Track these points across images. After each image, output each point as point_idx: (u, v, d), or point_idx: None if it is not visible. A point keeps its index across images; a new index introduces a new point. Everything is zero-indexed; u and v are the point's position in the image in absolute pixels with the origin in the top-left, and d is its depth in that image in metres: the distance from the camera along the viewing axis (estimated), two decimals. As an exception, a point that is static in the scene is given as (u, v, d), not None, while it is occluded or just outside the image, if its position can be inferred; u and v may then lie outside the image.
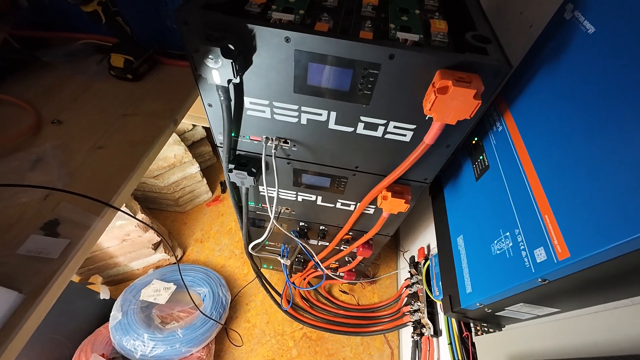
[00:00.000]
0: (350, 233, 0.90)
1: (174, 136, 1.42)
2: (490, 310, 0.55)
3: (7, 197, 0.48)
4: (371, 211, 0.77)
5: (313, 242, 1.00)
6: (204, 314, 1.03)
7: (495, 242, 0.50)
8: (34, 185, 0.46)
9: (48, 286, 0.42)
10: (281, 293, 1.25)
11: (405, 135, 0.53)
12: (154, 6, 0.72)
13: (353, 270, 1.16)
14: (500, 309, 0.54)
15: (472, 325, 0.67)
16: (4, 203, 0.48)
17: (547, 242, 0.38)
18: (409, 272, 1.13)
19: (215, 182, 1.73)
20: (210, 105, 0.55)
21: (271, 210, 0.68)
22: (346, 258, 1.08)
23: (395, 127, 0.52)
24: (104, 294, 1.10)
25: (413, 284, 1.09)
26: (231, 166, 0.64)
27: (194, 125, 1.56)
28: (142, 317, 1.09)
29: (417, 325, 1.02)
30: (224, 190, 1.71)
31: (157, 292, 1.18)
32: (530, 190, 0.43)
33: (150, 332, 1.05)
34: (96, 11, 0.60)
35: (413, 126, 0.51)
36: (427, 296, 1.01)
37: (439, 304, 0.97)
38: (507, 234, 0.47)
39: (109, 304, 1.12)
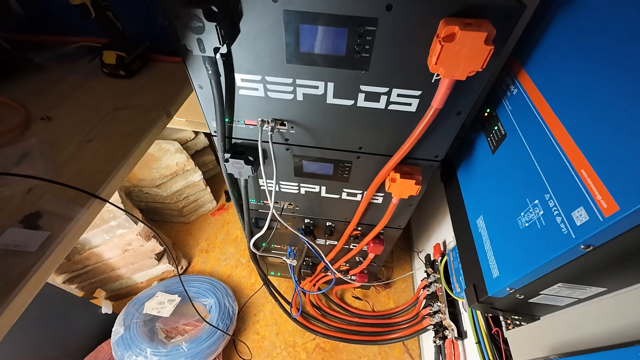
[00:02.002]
0: (359, 228, 0.85)
1: (176, 144, 1.41)
2: (522, 297, 0.49)
3: (-11, 192, 0.45)
4: (379, 200, 0.72)
5: (320, 241, 0.94)
6: (210, 324, 0.98)
7: (522, 214, 0.44)
8: (12, 173, 0.43)
9: (23, 282, 0.37)
10: (290, 301, 1.18)
11: (410, 105, 0.49)
12: (145, 2, 0.71)
13: (365, 271, 1.09)
14: (534, 293, 0.47)
15: (501, 319, 0.59)
16: (-15, 198, 0.45)
17: (588, 200, 0.33)
18: (425, 271, 1.06)
19: (220, 191, 1.70)
20: (200, 87, 0.52)
21: (271, 200, 0.63)
22: (357, 258, 1.01)
23: (399, 95, 0.47)
24: (106, 308, 1.06)
25: (431, 283, 1.01)
26: (227, 155, 0.60)
27: (196, 134, 1.55)
28: (145, 330, 1.04)
29: (439, 329, 0.94)
30: (228, 199, 1.67)
31: (161, 304, 1.13)
32: (559, 147, 0.38)
33: (153, 346, 0.99)
34: (84, 4, 0.59)
35: (418, 92, 0.46)
36: (448, 295, 0.93)
37: (460, 302, 0.89)
38: (536, 201, 0.41)
39: (111, 319, 1.07)
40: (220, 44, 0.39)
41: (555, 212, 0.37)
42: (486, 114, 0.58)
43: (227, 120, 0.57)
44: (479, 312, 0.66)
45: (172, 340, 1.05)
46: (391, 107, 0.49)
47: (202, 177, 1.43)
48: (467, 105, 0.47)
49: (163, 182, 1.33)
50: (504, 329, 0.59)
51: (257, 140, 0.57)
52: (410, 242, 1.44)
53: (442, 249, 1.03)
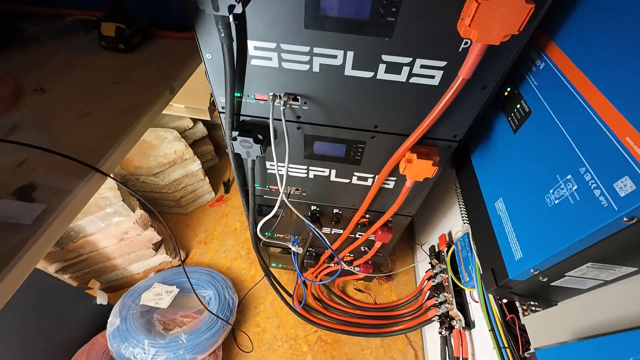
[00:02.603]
0: (367, 216, 0.82)
1: (174, 133, 1.37)
2: (545, 280, 0.47)
3: (-26, 165, 0.42)
4: (391, 185, 0.69)
5: (326, 230, 0.92)
6: (211, 312, 0.95)
7: (552, 191, 0.42)
8: (5, 140, 0.39)
9: (16, 257, 0.34)
10: (292, 293, 1.16)
11: (433, 77, 0.46)
12: (147, -28, 0.67)
13: (370, 262, 1.07)
14: (560, 275, 0.45)
15: (517, 304, 0.58)
16: (-30, 170, 0.41)
17: (634, 166, 0.31)
18: (430, 263, 1.04)
19: (218, 183, 1.66)
20: (210, 56, 0.48)
21: (281, 184, 0.60)
22: (362, 248, 0.99)
23: (422, 66, 0.45)
24: (101, 299, 1.02)
25: (436, 274, 0.99)
26: (235, 133, 0.57)
27: (195, 123, 1.51)
28: (143, 322, 1.00)
29: (445, 319, 0.92)
30: (227, 191, 1.63)
31: (159, 295, 1.10)
32: (597, 117, 0.36)
33: (151, 338, 0.95)
34: (83, -31, 0.55)
35: (443, 63, 0.44)
36: (455, 285, 0.91)
37: (468, 292, 0.88)
38: (568, 176, 0.39)
39: (106, 310, 1.03)
40: (235, 1, 0.36)
41: (593, 186, 0.35)
42: (506, 93, 0.56)
43: (236, 94, 0.54)
44: (492, 300, 0.64)
45: (170, 332, 1.02)
46: (413, 79, 0.47)
47: (201, 166, 1.39)
48: (494, 78, 0.45)
49: (160, 170, 1.28)
50: (520, 315, 0.57)
51: (267, 118, 0.54)
52: (413, 235, 1.43)
53: (447, 239, 1.01)
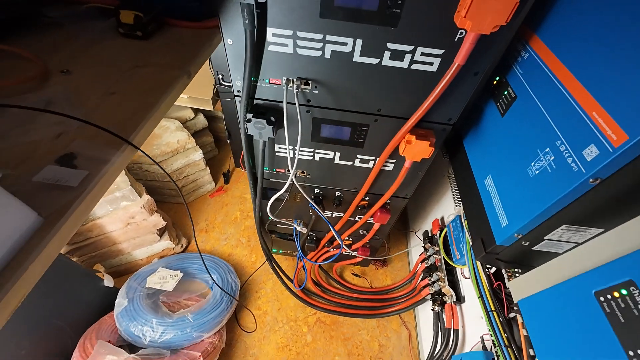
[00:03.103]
0: (367, 198, 0.88)
1: (176, 122, 1.40)
2: (527, 244, 0.53)
3: (15, 134, 0.45)
4: (390, 167, 0.75)
5: (327, 213, 0.97)
6: (219, 286, 1.00)
7: (533, 163, 0.48)
8: (48, 110, 0.43)
9: (69, 212, 0.38)
10: (292, 278, 1.21)
11: (432, 64, 0.52)
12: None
13: (367, 245, 1.13)
14: (539, 238, 0.52)
15: (503, 272, 0.64)
16: (12, 140, 0.45)
17: (598, 136, 0.37)
18: (423, 247, 1.11)
19: (218, 174, 1.70)
20: (230, 41, 0.53)
21: (292, 166, 0.65)
22: (361, 231, 1.05)
23: (422, 54, 0.51)
24: (108, 281, 1.05)
25: (429, 256, 1.06)
26: (249, 115, 0.62)
27: (196, 114, 1.54)
28: (149, 303, 1.04)
29: (437, 297, 0.99)
30: (227, 181, 1.67)
31: (164, 279, 1.13)
32: (571, 97, 0.42)
33: (158, 317, 0.99)
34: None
35: (441, 51, 0.50)
36: (447, 265, 0.98)
37: (459, 269, 0.95)
38: (547, 149, 0.46)
39: (112, 293, 1.06)
40: (262, -11, 0.41)
41: (567, 154, 0.42)
42: (495, 82, 0.63)
43: (252, 79, 0.59)
44: (481, 270, 0.71)
45: (176, 313, 1.06)
46: (414, 66, 0.53)
47: (203, 155, 1.42)
48: (485, 65, 0.51)
49: (164, 159, 1.31)
50: (506, 281, 0.64)
51: (280, 101, 0.59)
52: (407, 223, 1.50)
53: (440, 224, 1.08)
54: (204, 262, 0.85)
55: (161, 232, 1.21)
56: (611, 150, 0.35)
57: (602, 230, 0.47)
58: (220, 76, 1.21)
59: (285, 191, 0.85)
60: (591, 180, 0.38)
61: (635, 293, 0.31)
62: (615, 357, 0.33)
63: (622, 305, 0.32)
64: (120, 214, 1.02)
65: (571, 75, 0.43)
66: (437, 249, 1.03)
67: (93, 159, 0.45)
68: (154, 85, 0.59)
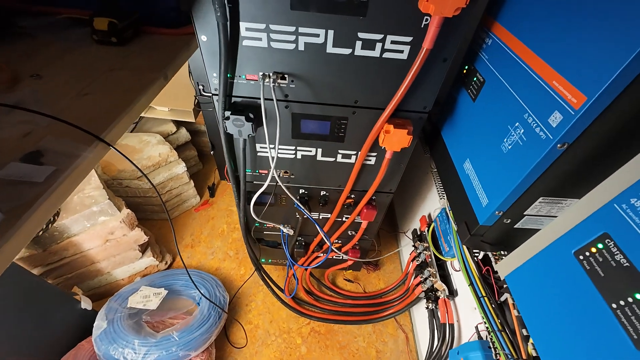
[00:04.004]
0: (352, 196, 0.88)
1: (158, 136, 1.38)
2: (509, 221, 0.54)
3: (-21, 136, 0.43)
4: (372, 161, 0.76)
5: (314, 214, 0.96)
6: (205, 297, 0.95)
7: (505, 140, 0.50)
8: (15, 106, 0.42)
9: (32, 208, 0.36)
10: (283, 287, 1.17)
11: (402, 52, 0.54)
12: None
13: (357, 247, 1.11)
14: (520, 214, 0.52)
15: (490, 255, 0.65)
16: (-24, 141, 0.43)
17: (560, 102, 0.39)
18: (413, 246, 1.11)
19: (203, 188, 1.66)
20: (204, 38, 0.54)
21: (272, 161, 0.65)
22: (349, 232, 1.04)
23: (392, 42, 0.52)
24: (86, 303, 0.98)
25: (420, 253, 1.06)
26: (227, 113, 0.61)
27: (178, 128, 1.53)
28: (131, 323, 0.98)
29: (430, 294, 0.98)
30: (212, 195, 1.64)
31: (147, 298, 1.07)
32: (533, 72, 0.44)
33: (141, 338, 0.93)
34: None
35: (409, 38, 0.52)
36: (437, 259, 0.98)
37: (449, 263, 0.95)
38: (517, 124, 0.47)
39: (91, 316, 1.00)
40: (231, -20, 0.42)
41: (534, 125, 0.43)
42: (465, 71, 0.65)
43: (229, 76, 0.59)
44: (469, 258, 0.71)
45: (160, 332, 1.00)
46: (385, 55, 0.54)
47: (186, 168, 1.40)
48: (452, 50, 0.53)
49: (145, 173, 1.28)
50: (493, 264, 0.64)
51: (258, 97, 0.59)
52: (395, 225, 1.50)
53: (428, 220, 1.08)
54: (188, 273, 0.82)
55: (143, 248, 1.16)
56: (573, 113, 0.37)
57: (576, 199, 0.48)
58: (201, 87, 1.22)
59: (269, 192, 0.84)
60: (559, 145, 0.40)
61: (611, 244, 0.32)
62: (601, 314, 0.33)
63: (600, 260, 0.33)
64: (98, 229, 0.98)
65: (530, 50, 0.45)
66: (427, 245, 1.02)
67: (61, 155, 0.43)
68: (129, 86, 0.58)
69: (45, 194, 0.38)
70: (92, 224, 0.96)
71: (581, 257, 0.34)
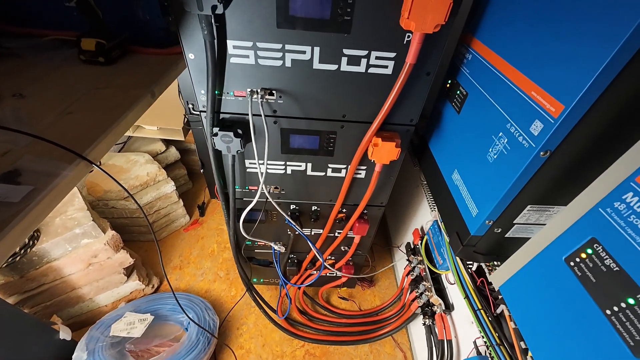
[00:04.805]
0: (344, 210, 0.87)
1: (146, 156, 1.36)
2: (499, 230, 0.54)
3: (-46, 157, 0.42)
4: (362, 174, 0.76)
5: (306, 230, 0.95)
6: (193, 321, 0.90)
7: (490, 149, 0.51)
8: (-7, 125, 0.41)
9: (6, 230, 0.34)
10: (275, 308, 1.13)
11: (387, 67, 0.55)
12: (127, -5, 0.74)
13: (351, 262, 1.09)
14: (509, 223, 0.53)
15: (483, 266, 0.64)
16: (-50, 162, 0.41)
17: (540, 111, 0.40)
18: (407, 260, 1.10)
19: (193, 207, 1.63)
20: (192, 56, 0.54)
21: (261, 176, 0.65)
22: (342, 248, 1.02)
23: (377, 57, 0.54)
24: (64, 333, 0.92)
25: (414, 267, 1.05)
26: (216, 130, 0.61)
27: (167, 147, 1.51)
28: (113, 353, 0.92)
29: (427, 309, 0.96)
30: (202, 214, 1.61)
31: (131, 325, 1.02)
32: (511, 83, 0.46)
33: (124, 368, 0.87)
34: (67, -12, 0.60)
35: (393, 54, 0.54)
36: (432, 273, 0.97)
37: (444, 276, 0.93)
38: (500, 134, 0.48)
39: (70, 347, 0.93)
40: (218, 1, 0.43)
41: (517, 134, 0.44)
42: (448, 85, 0.67)
43: (217, 93, 0.59)
44: (462, 269, 0.70)
45: (145, 361, 0.94)
46: (371, 70, 0.56)
47: (175, 187, 1.37)
48: (434, 64, 0.55)
49: (132, 193, 1.25)
50: (487, 276, 0.63)
51: (246, 114, 0.60)
52: (389, 240, 1.48)
53: (420, 233, 1.08)
54: (175, 296, 0.78)
55: (129, 272, 1.11)
56: (552, 122, 0.38)
57: (563, 207, 0.49)
58: (190, 106, 1.22)
59: (259, 209, 0.82)
60: (542, 153, 0.40)
61: (599, 249, 0.32)
62: (596, 321, 0.32)
63: (591, 265, 0.33)
64: (80, 253, 0.94)
65: (507, 63, 0.47)
66: (420, 258, 1.01)
67: (41, 174, 0.42)
68: (115, 104, 0.58)
69: (21, 215, 0.36)
70: (74, 247, 0.92)
71: (572, 264, 0.34)
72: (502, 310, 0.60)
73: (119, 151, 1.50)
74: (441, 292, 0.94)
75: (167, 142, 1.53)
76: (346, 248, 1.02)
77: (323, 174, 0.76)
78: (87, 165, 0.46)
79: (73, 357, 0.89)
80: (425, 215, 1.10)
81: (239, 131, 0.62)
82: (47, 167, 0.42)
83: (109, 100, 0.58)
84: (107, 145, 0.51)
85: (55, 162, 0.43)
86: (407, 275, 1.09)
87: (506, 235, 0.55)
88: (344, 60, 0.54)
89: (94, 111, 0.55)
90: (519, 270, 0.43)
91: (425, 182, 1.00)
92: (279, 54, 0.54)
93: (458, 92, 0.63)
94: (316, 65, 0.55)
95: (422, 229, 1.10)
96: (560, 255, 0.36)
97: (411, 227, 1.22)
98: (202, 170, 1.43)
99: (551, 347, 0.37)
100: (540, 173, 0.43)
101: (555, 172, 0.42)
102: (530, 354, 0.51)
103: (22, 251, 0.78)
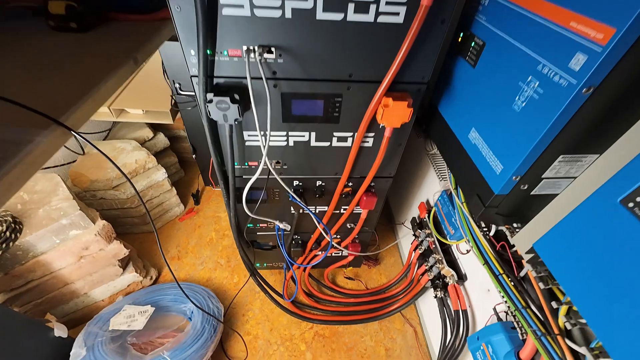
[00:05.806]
0: (350, 184, 0.83)
1: (133, 143, 1.28)
2: (526, 187, 0.51)
3: None
4: (370, 142, 0.71)
5: (311, 208, 0.90)
6: (198, 306, 0.86)
7: (517, 97, 0.46)
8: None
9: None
10: (281, 292, 1.10)
11: (398, 15, 0.50)
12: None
13: (357, 240, 1.06)
14: (538, 178, 0.49)
15: (504, 229, 0.61)
16: None
17: (582, 43, 0.35)
18: (414, 234, 1.07)
19: (187, 196, 1.57)
20: (178, 8, 0.48)
21: (264, 147, 0.59)
22: (348, 225, 0.99)
23: (387, 2, 0.48)
24: (60, 330, 0.87)
25: (421, 241, 1.02)
26: (210, 95, 0.55)
27: (155, 134, 1.43)
28: (114, 347, 0.87)
29: (438, 282, 0.94)
30: (197, 202, 1.54)
31: (131, 317, 0.97)
32: (542, 19, 0.41)
33: (127, 362, 0.83)
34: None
35: (406, -2, 0.48)
36: (441, 244, 0.94)
37: (454, 247, 0.91)
38: (529, 78, 0.44)
39: (66, 344, 0.88)
40: None
41: (552, 74, 0.40)
42: (460, 39, 0.62)
43: (209, 52, 0.53)
44: (480, 236, 0.67)
45: (149, 353, 0.90)
46: (380, 18, 0.50)
47: (167, 175, 1.30)
48: (450, 10, 0.50)
49: (121, 182, 1.18)
50: (508, 237, 0.60)
51: (243, 77, 0.54)
52: (391, 218, 1.46)
53: (427, 206, 1.05)
54: (178, 283, 0.73)
55: (124, 264, 1.06)
56: (599, 51, 0.33)
57: (597, 155, 0.45)
58: (177, 85, 1.14)
59: (261, 187, 0.77)
60: (584, 90, 0.36)
61: (665, 185, 0.28)
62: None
63: (655, 204, 0.29)
64: (69, 245, 0.87)
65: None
66: (429, 231, 0.98)
67: (9, 141, 0.35)
68: (94, 70, 0.51)
69: (-13, 185, 0.30)
70: (62, 240, 0.86)
71: (631, 205, 0.31)
72: (526, 273, 0.57)
73: (104, 139, 1.42)
74: (452, 264, 0.91)
75: (155, 129, 1.45)
76: (352, 225, 0.98)
77: (328, 144, 0.71)
78: (65, 133, 0.40)
79: (71, 354, 0.85)
80: (430, 188, 1.07)
81: (236, 96, 0.56)
82: (17, 135, 0.36)
83: (87, 67, 0.51)
84: (87, 113, 0.44)
85: (27, 129, 0.37)
86: (414, 250, 1.07)
87: (532, 193, 0.52)
88: (351, 7, 0.48)
89: (71, 78, 0.48)
90: (559, 222, 0.39)
91: (432, 152, 0.96)
92: (278, 2, 0.47)
93: (473, 44, 0.58)
94: (320, 14, 0.49)
95: (427, 202, 1.07)
96: (614, 197, 0.32)
97: (415, 202, 1.19)
98: (194, 156, 1.37)
99: (603, 301, 0.34)
100: (579, 115, 0.39)
101: (596, 112, 0.38)
102: (561, 312, 0.48)
103: (4, 245, 0.71)
